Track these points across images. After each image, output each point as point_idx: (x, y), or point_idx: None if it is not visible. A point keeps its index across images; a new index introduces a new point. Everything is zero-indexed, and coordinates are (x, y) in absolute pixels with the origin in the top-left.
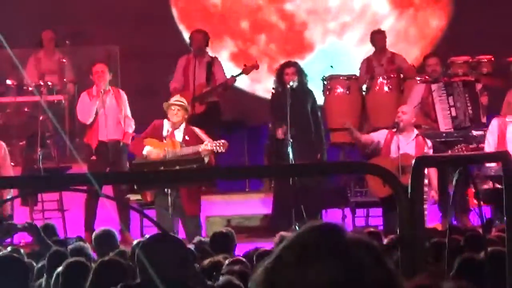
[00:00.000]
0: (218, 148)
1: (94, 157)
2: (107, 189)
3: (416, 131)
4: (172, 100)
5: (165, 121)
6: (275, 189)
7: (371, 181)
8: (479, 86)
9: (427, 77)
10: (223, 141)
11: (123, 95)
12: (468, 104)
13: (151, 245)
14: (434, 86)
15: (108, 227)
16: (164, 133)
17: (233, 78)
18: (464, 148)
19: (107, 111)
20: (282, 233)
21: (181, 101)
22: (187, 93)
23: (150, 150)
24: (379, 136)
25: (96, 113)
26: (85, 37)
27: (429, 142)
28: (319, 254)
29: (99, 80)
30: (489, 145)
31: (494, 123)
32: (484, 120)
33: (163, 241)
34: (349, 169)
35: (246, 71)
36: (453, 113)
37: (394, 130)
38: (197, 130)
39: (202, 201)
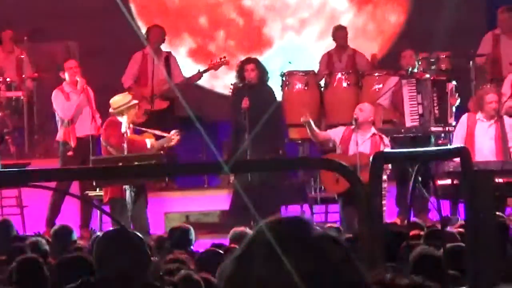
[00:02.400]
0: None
1: (71, 153)
2: (74, 185)
3: (373, 130)
4: (125, 99)
5: (122, 118)
6: (234, 185)
7: (325, 178)
8: (450, 86)
9: (401, 70)
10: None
11: (90, 91)
12: (435, 104)
13: (107, 241)
14: (404, 82)
15: (66, 223)
16: (123, 129)
17: (200, 74)
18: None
19: (81, 107)
20: (236, 228)
21: (134, 100)
22: (146, 90)
23: (152, 141)
24: (336, 133)
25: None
26: (43, 33)
27: (386, 140)
28: (288, 248)
29: (75, 75)
30: (457, 141)
31: (464, 119)
32: (451, 120)
33: (119, 237)
34: (307, 164)
35: (214, 67)
36: (420, 111)
37: (352, 127)
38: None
39: (161, 197)
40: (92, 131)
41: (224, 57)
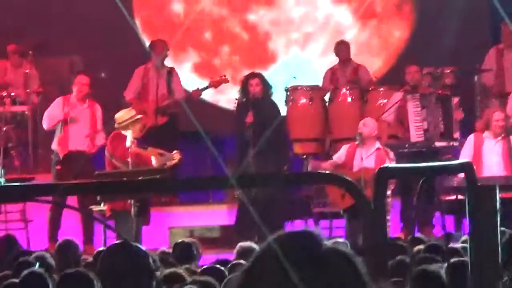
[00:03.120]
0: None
1: (59, 167)
2: (72, 200)
3: (378, 144)
4: (129, 114)
5: (127, 133)
6: (240, 200)
7: (332, 192)
8: (455, 101)
9: (406, 85)
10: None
11: (98, 109)
12: (440, 119)
13: (112, 255)
14: (409, 97)
15: (70, 237)
16: (127, 143)
17: (199, 91)
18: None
19: (80, 122)
20: (242, 243)
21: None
22: (147, 104)
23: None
24: (339, 155)
25: (67, 123)
26: (48, 47)
27: (391, 154)
28: (298, 264)
29: (78, 91)
30: (464, 159)
31: (471, 138)
32: (456, 135)
33: (124, 251)
34: (312, 179)
35: (214, 84)
36: (425, 126)
37: (356, 142)
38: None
39: (165, 212)
40: (85, 147)
41: (224, 75)
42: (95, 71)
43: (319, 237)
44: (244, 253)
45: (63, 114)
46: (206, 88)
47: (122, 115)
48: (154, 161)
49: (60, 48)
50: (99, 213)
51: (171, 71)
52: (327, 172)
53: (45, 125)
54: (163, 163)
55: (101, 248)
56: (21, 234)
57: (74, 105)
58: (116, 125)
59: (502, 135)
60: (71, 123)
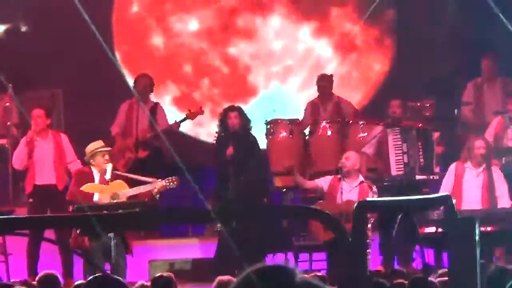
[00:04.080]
0: (172, 183)
1: (30, 200)
2: (50, 233)
3: (361, 178)
4: (96, 145)
5: (93, 168)
6: (220, 233)
7: (313, 226)
8: (436, 135)
9: (388, 119)
10: (175, 177)
11: (64, 139)
12: (420, 153)
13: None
14: (389, 130)
15: (50, 271)
16: (96, 179)
17: (177, 123)
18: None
19: (42, 156)
20: (220, 277)
21: (105, 147)
22: (130, 139)
23: (100, 196)
24: (325, 181)
25: (31, 158)
26: (28, 81)
27: (374, 188)
28: None
29: (35, 124)
30: (445, 189)
31: (452, 167)
32: (437, 169)
33: (104, 284)
34: (292, 213)
35: (190, 116)
36: (405, 160)
37: (339, 176)
38: (121, 173)
39: (145, 245)
40: (53, 181)
41: (200, 107)
42: (75, 104)
43: (293, 271)
44: (222, 287)
45: (26, 150)
46: (184, 120)
47: (89, 146)
48: (96, 197)
49: (41, 82)
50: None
51: (155, 106)
52: (306, 207)
53: (16, 165)
54: (141, 192)
55: (78, 282)
56: (1, 267)
57: (35, 140)
58: (85, 158)
59: (483, 165)
60: (35, 158)
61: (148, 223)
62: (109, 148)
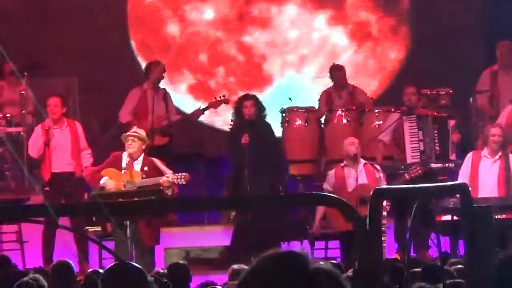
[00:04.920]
0: (179, 180)
1: (47, 188)
2: (65, 221)
3: (363, 161)
4: (130, 131)
5: (124, 153)
6: (236, 221)
7: (331, 214)
8: (451, 123)
9: (403, 106)
10: (184, 173)
11: (78, 127)
12: (436, 141)
13: (110, 276)
14: (405, 118)
15: (65, 258)
16: (123, 164)
17: (201, 111)
18: (419, 169)
19: (59, 144)
20: (234, 266)
21: (137, 132)
22: (145, 125)
23: (106, 180)
24: (329, 183)
25: (48, 146)
26: (44, 69)
27: (378, 167)
28: (284, 282)
29: (51, 113)
30: (462, 178)
31: (469, 156)
32: (453, 157)
33: (123, 272)
34: (308, 201)
35: (214, 105)
36: (421, 147)
37: (342, 164)
38: (157, 161)
39: (161, 232)
40: (70, 168)
41: (224, 95)
42: (90, 93)
43: (307, 257)
44: (237, 275)
45: (43, 139)
46: (207, 108)
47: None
48: (103, 181)
49: (56, 70)
50: (95, 233)
51: (166, 92)
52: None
53: (32, 153)
54: (170, 183)
55: (91, 269)
56: (16, 255)
57: (52, 128)
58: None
59: (499, 153)
60: (52, 146)
61: (163, 210)
62: (135, 134)
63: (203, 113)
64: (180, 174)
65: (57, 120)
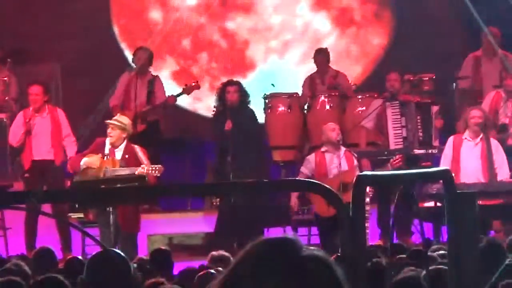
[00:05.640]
0: (153, 171)
1: (27, 175)
2: (47, 208)
3: (343, 148)
4: (112, 119)
5: (107, 139)
6: (219, 207)
7: (316, 200)
8: (435, 109)
9: (386, 92)
10: (159, 166)
11: (60, 114)
12: (419, 127)
13: (94, 264)
14: (388, 104)
15: (47, 245)
16: (106, 151)
17: (174, 97)
18: (399, 160)
19: (39, 131)
20: (214, 252)
21: (118, 120)
22: (129, 112)
23: (86, 160)
24: (309, 167)
25: (30, 134)
26: (27, 55)
27: (355, 154)
28: (275, 268)
29: (33, 101)
30: (444, 162)
31: (450, 140)
32: (436, 143)
33: (106, 259)
34: (291, 187)
35: (187, 90)
36: (404, 134)
37: (322, 150)
38: (138, 150)
39: (144, 219)
40: (50, 156)
41: (196, 81)
42: (73, 78)
43: (299, 243)
44: (216, 262)
45: (24, 127)
46: (180, 94)
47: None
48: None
49: (40, 56)
50: (78, 220)
51: (153, 79)
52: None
53: (13, 142)
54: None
55: (71, 256)
56: (0, 241)
57: (33, 116)
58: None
59: (480, 135)
60: (33, 134)
61: (146, 197)
62: (114, 122)
63: (176, 100)
64: (154, 166)
65: (39, 108)
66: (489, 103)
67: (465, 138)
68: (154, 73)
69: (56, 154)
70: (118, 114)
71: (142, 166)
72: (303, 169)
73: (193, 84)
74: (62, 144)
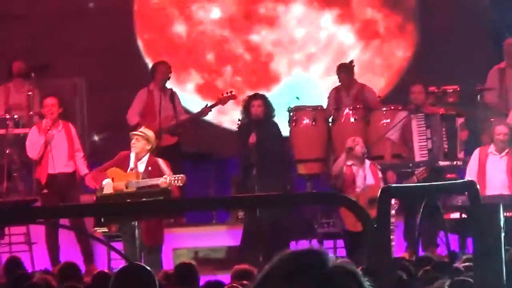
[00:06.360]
0: (176, 182)
1: (45, 191)
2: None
3: (368, 161)
4: (137, 131)
5: (132, 153)
6: (245, 221)
7: (345, 214)
8: (460, 121)
9: (411, 105)
10: (181, 175)
11: (72, 129)
12: (444, 139)
13: (119, 278)
14: (413, 116)
15: (71, 259)
16: (131, 164)
17: (208, 108)
18: (424, 171)
19: (56, 145)
20: (237, 266)
21: (143, 132)
22: (153, 125)
23: (107, 182)
24: (340, 163)
25: (47, 146)
26: (51, 69)
27: (379, 166)
28: (303, 280)
29: (49, 113)
30: (470, 175)
31: (476, 153)
32: (461, 155)
33: (132, 274)
34: (318, 200)
35: (222, 101)
36: (429, 146)
37: (349, 163)
38: (160, 162)
39: (169, 233)
40: (67, 169)
41: (231, 91)
42: (97, 93)
43: (326, 255)
44: (240, 276)
45: (43, 139)
46: (215, 105)
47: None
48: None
49: (63, 70)
50: (103, 234)
51: (173, 93)
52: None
53: (31, 154)
54: (167, 184)
55: (98, 270)
56: (25, 256)
57: (48, 129)
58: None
59: (506, 150)
60: (51, 147)
61: (172, 211)
62: (139, 133)
63: (211, 110)
64: (177, 176)
65: (55, 120)
66: None
67: (491, 152)
68: (169, 87)
69: (75, 167)
70: (143, 127)
71: (164, 176)
72: (337, 162)
73: (229, 94)
74: (75, 158)
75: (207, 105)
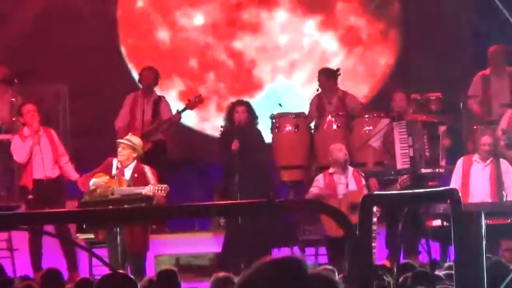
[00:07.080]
0: (159, 191)
1: (31, 196)
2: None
3: (350, 168)
4: (123, 138)
5: (115, 159)
6: (226, 228)
7: (326, 221)
8: (442, 128)
9: (393, 112)
10: (165, 185)
11: (53, 134)
12: (426, 146)
13: (102, 286)
14: (395, 124)
15: (54, 266)
16: (113, 171)
17: (179, 114)
18: (407, 179)
19: (42, 150)
20: (217, 273)
21: (129, 140)
22: (135, 132)
23: (96, 181)
24: (318, 186)
25: (32, 152)
26: (34, 75)
27: (363, 174)
28: (285, 287)
29: (32, 119)
30: (454, 184)
31: (460, 161)
32: (443, 163)
33: (113, 280)
34: (300, 207)
35: (190, 105)
36: (411, 153)
37: (330, 171)
38: (147, 170)
39: (152, 240)
40: (53, 174)
41: (199, 94)
42: (80, 99)
43: (304, 263)
44: (219, 284)
45: (30, 143)
46: (184, 110)
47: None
48: (91, 183)
49: (47, 76)
50: (86, 240)
51: (159, 99)
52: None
53: (20, 159)
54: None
55: (80, 277)
56: (6, 262)
57: (31, 136)
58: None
59: (490, 159)
60: (35, 152)
61: (153, 218)
62: (125, 142)
63: (181, 116)
64: (160, 185)
65: (35, 126)
66: (507, 121)
67: (475, 160)
68: (159, 93)
69: (61, 172)
70: (130, 134)
71: (149, 185)
72: (312, 188)
73: (196, 99)
74: (60, 163)
75: (177, 110)
